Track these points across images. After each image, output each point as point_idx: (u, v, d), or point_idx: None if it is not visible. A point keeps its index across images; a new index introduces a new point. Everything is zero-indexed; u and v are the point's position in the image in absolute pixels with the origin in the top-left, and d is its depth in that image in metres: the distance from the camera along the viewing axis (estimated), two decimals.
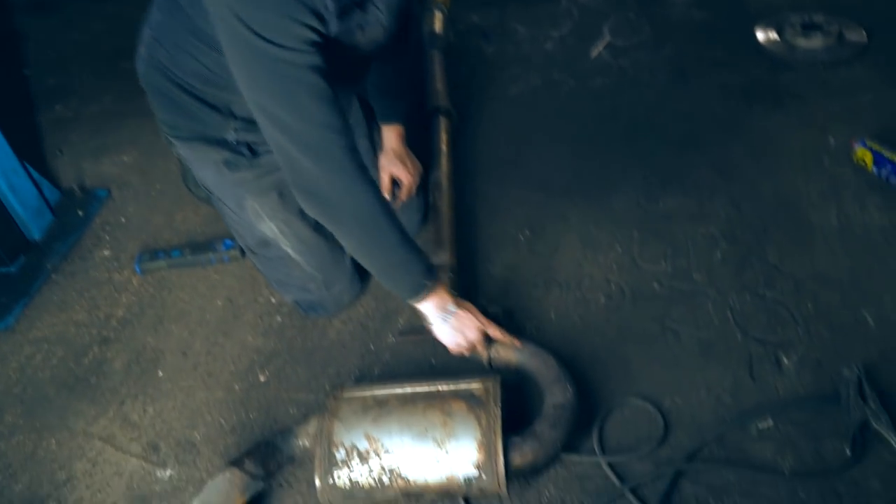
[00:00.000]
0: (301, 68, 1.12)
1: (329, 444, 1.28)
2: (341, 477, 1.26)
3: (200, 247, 1.89)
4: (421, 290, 1.36)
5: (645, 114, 2.18)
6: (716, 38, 2.43)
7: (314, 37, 1.12)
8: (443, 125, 2.07)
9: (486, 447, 1.25)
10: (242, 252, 1.84)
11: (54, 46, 2.98)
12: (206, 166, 1.52)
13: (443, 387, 1.35)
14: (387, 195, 1.75)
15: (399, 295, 1.42)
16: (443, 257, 1.67)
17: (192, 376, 1.63)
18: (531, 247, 1.81)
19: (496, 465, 1.23)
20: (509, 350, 1.46)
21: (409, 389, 1.36)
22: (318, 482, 1.27)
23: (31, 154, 2.21)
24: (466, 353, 1.47)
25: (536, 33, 2.63)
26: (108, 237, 2.03)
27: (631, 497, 1.29)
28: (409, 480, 1.26)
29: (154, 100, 1.46)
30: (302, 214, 1.53)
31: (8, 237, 1.93)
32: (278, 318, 1.73)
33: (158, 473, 1.45)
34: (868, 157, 1.84)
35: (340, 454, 1.28)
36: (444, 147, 2.00)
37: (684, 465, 1.32)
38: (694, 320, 1.59)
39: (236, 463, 1.30)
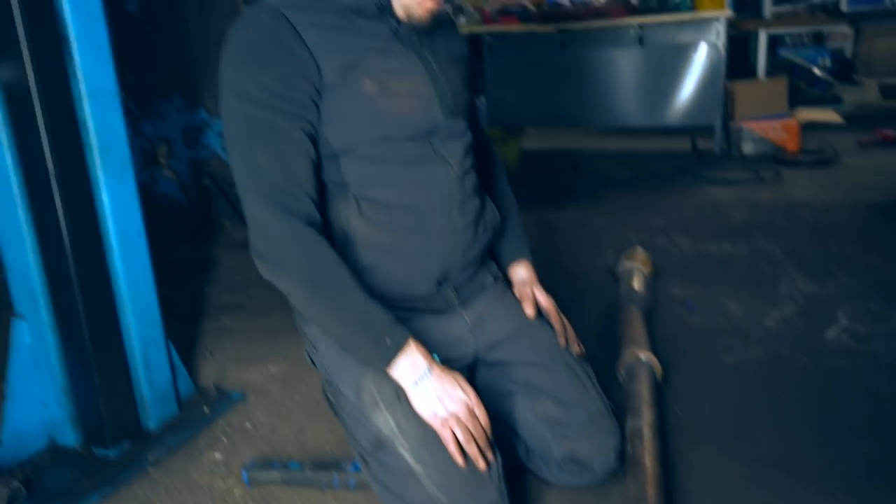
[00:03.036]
0: (269, 111, 1.14)
1: None
2: None
3: (324, 465, 1.51)
4: (386, 350, 1.15)
5: None
6: None
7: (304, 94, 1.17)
8: (644, 373, 1.67)
9: None
10: None
11: (241, 273, 3.03)
12: (330, 343, 1.29)
13: None
14: (530, 305, 1.44)
15: (366, 363, 1.21)
16: None
17: None
18: None
19: None
20: None
21: None
22: None
23: (181, 348, 2.05)
24: (451, 439, 1.14)
25: (752, 310, 2.26)
26: (225, 440, 1.70)
27: None
28: None
29: None
30: None
31: (121, 417, 1.66)
32: None
33: None
34: None
35: None
36: (645, 393, 1.57)
37: None
38: None
39: None
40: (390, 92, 1.20)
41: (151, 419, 1.73)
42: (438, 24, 1.34)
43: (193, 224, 3.55)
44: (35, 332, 1.61)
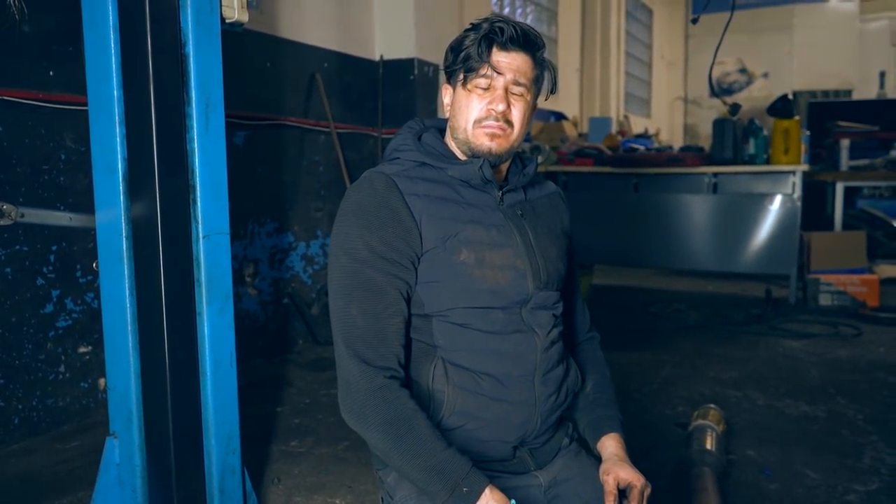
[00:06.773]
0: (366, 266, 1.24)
1: None
2: None
3: None
4: (463, 498, 1.17)
5: None
6: None
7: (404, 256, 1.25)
8: None
9: None
10: None
11: (311, 395, 3.10)
12: (408, 494, 1.30)
13: None
14: (611, 500, 1.30)
15: None
16: None
17: None
18: None
19: None
20: None
21: None
22: None
23: (251, 472, 2.09)
24: None
25: (833, 482, 2.17)
26: None
27: None
28: None
29: None
30: None
31: None
32: None
33: None
34: None
35: None
36: None
37: None
38: None
39: None
40: (486, 263, 1.28)
41: None
42: (547, 196, 1.44)
43: (268, 339, 3.68)
44: (125, 451, 1.69)
